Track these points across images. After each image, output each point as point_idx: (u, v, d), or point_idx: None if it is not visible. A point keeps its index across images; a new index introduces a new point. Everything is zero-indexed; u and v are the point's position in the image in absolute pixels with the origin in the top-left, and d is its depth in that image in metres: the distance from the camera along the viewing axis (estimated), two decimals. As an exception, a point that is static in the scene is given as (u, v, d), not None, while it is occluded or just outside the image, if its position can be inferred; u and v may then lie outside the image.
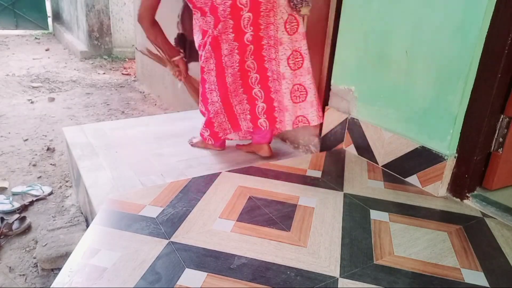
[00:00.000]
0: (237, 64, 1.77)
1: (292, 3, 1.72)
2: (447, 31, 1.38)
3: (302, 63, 1.82)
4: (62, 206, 2.17)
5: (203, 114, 1.93)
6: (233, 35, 1.72)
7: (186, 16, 2.05)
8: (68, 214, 2.07)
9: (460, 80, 1.36)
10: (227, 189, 1.43)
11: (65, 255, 1.66)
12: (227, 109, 1.85)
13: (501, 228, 1.28)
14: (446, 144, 1.44)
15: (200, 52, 1.82)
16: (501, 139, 1.42)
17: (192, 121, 2.47)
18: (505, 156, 1.44)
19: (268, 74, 1.81)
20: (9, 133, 3.10)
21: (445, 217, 1.34)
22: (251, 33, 1.72)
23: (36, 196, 2.22)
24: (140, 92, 4.53)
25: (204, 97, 1.86)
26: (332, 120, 1.91)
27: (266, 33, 1.75)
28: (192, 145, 2.07)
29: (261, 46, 1.77)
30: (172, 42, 2.08)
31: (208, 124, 1.89)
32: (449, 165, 1.44)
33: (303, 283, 0.98)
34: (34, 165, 2.60)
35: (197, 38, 1.82)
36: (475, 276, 1.05)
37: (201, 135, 1.97)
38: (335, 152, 1.84)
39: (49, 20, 7.90)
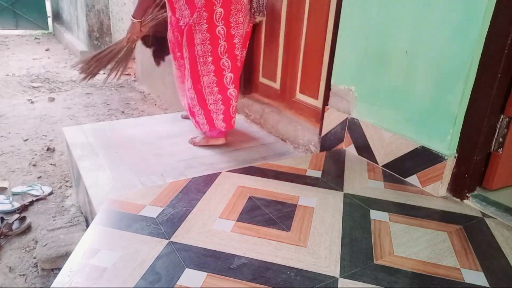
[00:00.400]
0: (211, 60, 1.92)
1: (253, 11, 1.99)
2: (447, 31, 1.38)
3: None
4: (62, 206, 2.17)
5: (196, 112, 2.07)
6: (206, 26, 1.87)
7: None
8: (68, 214, 2.07)
9: (460, 80, 1.36)
10: (227, 189, 1.43)
11: (65, 255, 1.66)
12: (201, 100, 2.01)
13: (501, 228, 1.28)
14: (446, 144, 1.44)
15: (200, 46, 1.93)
16: (501, 139, 1.42)
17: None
18: (505, 156, 1.44)
19: (240, 74, 2.07)
20: (9, 133, 3.10)
21: (445, 217, 1.33)
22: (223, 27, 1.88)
23: (36, 196, 2.22)
24: (140, 92, 4.53)
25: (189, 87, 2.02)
26: (332, 120, 1.91)
27: (236, 32, 1.91)
28: (194, 144, 2.11)
29: (233, 45, 1.93)
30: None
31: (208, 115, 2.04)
32: (449, 165, 1.44)
33: (303, 283, 0.98)
34: (34, 165, 2.60)
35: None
36: (475, 276, 1.05)
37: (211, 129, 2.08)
38: (335, 152, 1.84)
39: (49, 20, 7.90)
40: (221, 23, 1.84)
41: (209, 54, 1.90)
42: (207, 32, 1.86)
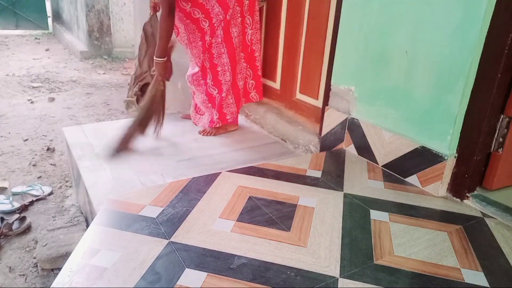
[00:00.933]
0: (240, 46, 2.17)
1: None
2: (447, 31, 1.38)
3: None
4: (62, 206, 2.17)
5: (210, 101, 2.23)
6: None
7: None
8: (68, 214, 2.07)
9: (460, 80, 1.36)
10: (227, 189, 1.43)
11: (65, 255, 1.66)
12: (234, 87, 2.23)
13: (501, 228, 1.28)
14: (446, 144, 1.44)
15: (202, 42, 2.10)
16: (501, 139, 1.42)
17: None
18: (505, 156, 1.44)
19: (255, 55, 2.29)
20: (9, 133, 3.10)
21: (445, 217, 1.33)
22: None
23: (36, 196, 2.22)
24: (140, 92, 4.51)
25: (217, 80, 2.17)
26: (332, 120, 1.91)
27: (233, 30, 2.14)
28: (204, 134, 2.24)
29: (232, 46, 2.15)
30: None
31: (219, 107, 2.20)
32: (449, 165, 1.44)
33: (303, 283, 0.98)
34: (34, 165, 2.60)
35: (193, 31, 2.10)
36: (475, 276, 1.05)
37: (211, 121, 2.22)
38: (335, 152, 1.84)
39: (49, 20, 7.90)
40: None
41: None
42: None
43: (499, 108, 1.38)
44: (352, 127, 1.81)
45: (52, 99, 3.97)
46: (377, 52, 1.65)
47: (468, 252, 1.14)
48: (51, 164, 2.64)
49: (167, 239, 1.13)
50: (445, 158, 1.44)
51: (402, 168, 1.60)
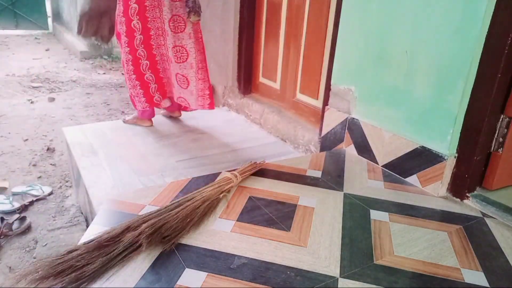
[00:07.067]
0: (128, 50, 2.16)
1: (188, 10, 2.11)
2: (447, 31, 1.38)
3: (186, 58, 2.21)
4: (62, 206, 2.17)
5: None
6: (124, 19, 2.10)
7: None
8: (68, 214, 2.07)
9: (460, 80, 1.36)
10: (227, 189, 1.43)
11: (65, 255, 1.65)
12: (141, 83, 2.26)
13: (501, 228, 1.28)
14: (446, 144, 1.44)
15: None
16: (501, 139, 1.42)
17: (192, 121, 2.48)
18: (505, 156, 1.44)
19: (156, 59, 2.23)
20: (9, 133, 3.09)
21: (445, 217, 1.33)
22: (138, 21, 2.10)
23: (36, 196, 2.22)
24: (140, 92, 4.51)
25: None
26: (332, 120, 1.91)
27: (153, 25, 2.14)
28: (124, 122, 2.37)
29: (149, 36, 2.15)
30: None
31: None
32: (449, 165, 1.44)
33: (303, 283, 0.98)
34: (34, 165, 2.60)
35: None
36: (475, 276, 1.05)
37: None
38: (335, 152, 1.84)
39: (49, 20, 7.90)
40: (136, 17, 2.09)
41: (126, 45, 2.16)
42: (124, 25, 2.12)
43: (499, 108, 1.38)
44: (352, 127, 1.81)
45: (52, 99, 3.97)
46: (377, 52, 1.65)
47: (468, 252, 1.14)
48: (51, 164, 2.64)
49: (167, 239, 1.12)
50: (445, 158, 1.44)
51: (402, 168, 1.60)
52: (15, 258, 1.76)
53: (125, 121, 2.38)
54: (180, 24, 2.15)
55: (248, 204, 1.33)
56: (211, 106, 2.32)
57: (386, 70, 1.62)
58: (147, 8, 2.08)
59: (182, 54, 2.20)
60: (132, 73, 2.19)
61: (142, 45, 2.15)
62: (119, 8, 2.11)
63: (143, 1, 2.06)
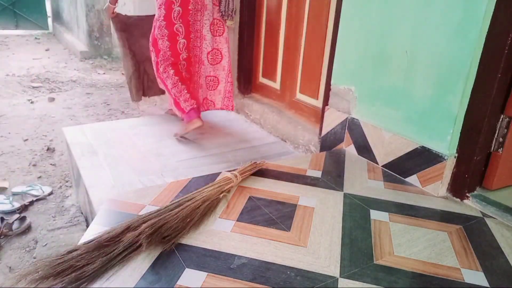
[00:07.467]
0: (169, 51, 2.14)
1: (221, 14, 2.17)
2: (447, 31, 1.37)
3: (220, 60, 2.30)
4: (62, 206, 2.16)
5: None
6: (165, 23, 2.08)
7: None
8: (68, 214, 2.06)
9: (460, 80, 1.36)
10: (227, 189, 1.43)
11: (65, 255, 1.65)
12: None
13: (501, 228, 1.28)
14: (446, 144, 1.44)
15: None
16: (501, 139, 1.42)
17: (192, 121, 2.47)
18: (505, 156, 1.44)
19: (191, 60, 2.24)
20: (9, 133, 3.09)
21: (445, 217, 1.33)
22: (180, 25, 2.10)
23: (36, 196, 2.22)
24: (140, 92, 4.51)
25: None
26: (332, 120, 1.91)
27: (193, 28, 2.16)
28: (177, 137, 2.20)
29: (190, 40, 2.18)
30: None
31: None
32: (449, 165, 1.44)
33: (303, 283, 0.98)
34: (34, 165, 2.60)
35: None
36: (475, 276, 1.05)
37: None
38: (335, 152, 1.84)
39: (49, 20, 7.90)
40: (179, 21, 2.08)
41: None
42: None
43: (499, 108, 1.38)
44: (352, 127, 1.81)
45: (52, 99, 3.97)
46: (377, 52, 1.65)
47: (468, 252, 1.14)
48: (51, 164, 2.64)
49: (167, 239, 1.12)
50: (445, 158, 1.44)
51: (402, 168, 1.60)
52: (15, 258, 1.76)
53: (177, 136, 2.21)
54: (220, 27, 2.22)
55: (248, 204, 1.33)
56: (233, 108, 2.43)
57: (386, 70, 1.62)
58: (190, 11, 2.09)
59: (217, 57, 2.28)
60: (173, 75, 2.15)
61: (186, 50, 2.17)
62: (160, 13, 2.08)
63: (187, 4, 2.07)
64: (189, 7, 2.08)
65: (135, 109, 3.87)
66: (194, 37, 2.19)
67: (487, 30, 1.29)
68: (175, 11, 2.05)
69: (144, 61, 2.47)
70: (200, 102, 2.38)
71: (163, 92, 2.54)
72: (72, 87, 4.48)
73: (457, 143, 1.43)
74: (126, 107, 3.91)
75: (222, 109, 2.42)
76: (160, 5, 2.07)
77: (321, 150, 1.99)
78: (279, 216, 1.27)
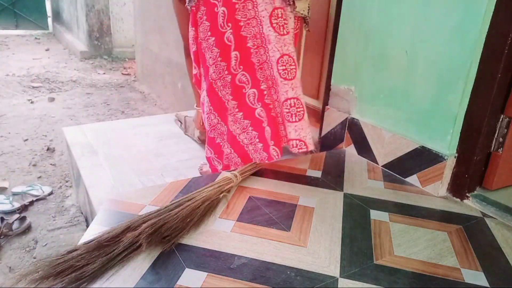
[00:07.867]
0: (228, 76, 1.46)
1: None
2: (447, 31, 1.38)
3: (295, 72, 1.48)
4: (62, 206, 2.17)
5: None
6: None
7: None
8: (68, 214, 2.07)
9: (460, 80, 1.36)
10: (227, 189, 1.43)
11: (65, 255, 1.65)
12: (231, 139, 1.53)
13: (501, 228, 1.28)
14: (446, 144, 1.44)
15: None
16: (501, 139, 1.42)
17: (192, 121, 2.47)
18: (505, 156, 1.44)
19: (262, 87, 1.49)
20: (9, 133, 3.10)
21: (445, 217, 1.33)
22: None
23: (36, 196, 2.22)
24: (140, 92, 4.53)
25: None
26: (332, 120, 1.91)
27: (248, 31, 1.43)
28: (201, 173, 1.76)
29: (247, 50, 1.43)
30: None
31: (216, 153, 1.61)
32: (449, 165, 1.44)
33: (303, 283, 0.98)
34: (34, 165, 2.60)
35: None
36: (475, 276, 1.05)
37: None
38: (335, 152, 1.84)
39: (49, 20, 7.91)
40: (228, 26, 1.42)
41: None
42: None
43: (499, 108, 1.38)
44: (352, 127, 1.81)
45: (52, 99, 3.98)
46: (377, 52, 1.65)
47: (468, 252, 1.14)
48: (51, 164, 2.64)
49: (167, 239, 1.12)
50: (445, 158, 1.44)
51: (402, 168, 1.60)
52: (15, 258, 1.76)
53: (202, 172, 1.75)
54: (286, 21, 1.44)
55: (248, 204, 1.33)
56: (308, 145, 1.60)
57: (386, 70, 1.62)
58: (237, 9, 1.40)
59: (291, 67, 1.47)
60: (236, 110, 1.49)
61: (241, 67, 1.45)
62: (204, 27, 1.44)
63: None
64: (236, 6, 1.40)
65: (135, 109, 3.87)
66: (254, 46, 1.47)
67: (487, 30, 1.29)
68: (220, 15, 1.41)
69: None
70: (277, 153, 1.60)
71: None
72: (72, 87, 4.48)
73: (457, 143, 1.43)
74: (126, 107, 3.91)
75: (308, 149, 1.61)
76: (200, 16, 1.45)
77: (321, 150, 1.99)
78: (279, 216, 1.27)
